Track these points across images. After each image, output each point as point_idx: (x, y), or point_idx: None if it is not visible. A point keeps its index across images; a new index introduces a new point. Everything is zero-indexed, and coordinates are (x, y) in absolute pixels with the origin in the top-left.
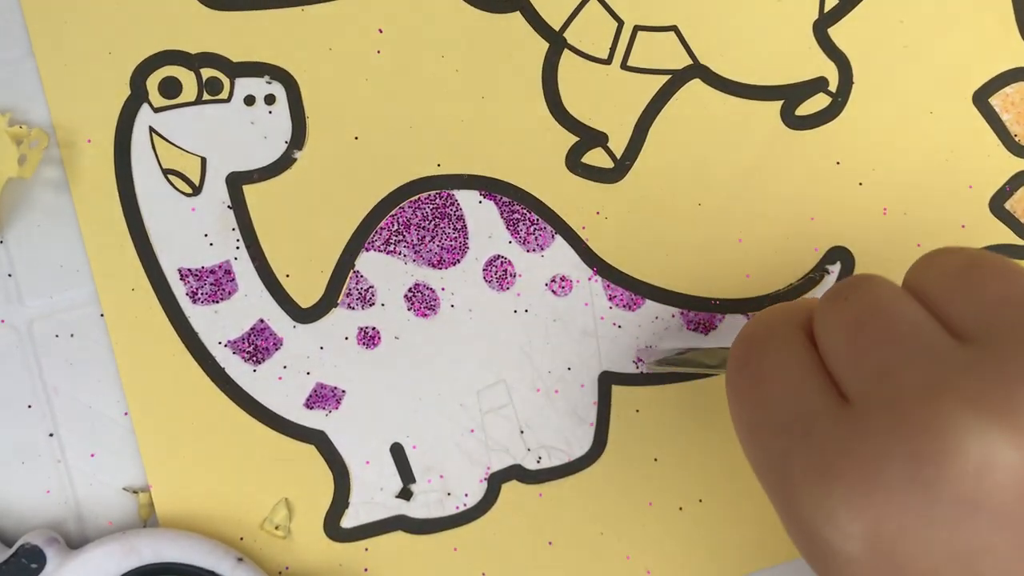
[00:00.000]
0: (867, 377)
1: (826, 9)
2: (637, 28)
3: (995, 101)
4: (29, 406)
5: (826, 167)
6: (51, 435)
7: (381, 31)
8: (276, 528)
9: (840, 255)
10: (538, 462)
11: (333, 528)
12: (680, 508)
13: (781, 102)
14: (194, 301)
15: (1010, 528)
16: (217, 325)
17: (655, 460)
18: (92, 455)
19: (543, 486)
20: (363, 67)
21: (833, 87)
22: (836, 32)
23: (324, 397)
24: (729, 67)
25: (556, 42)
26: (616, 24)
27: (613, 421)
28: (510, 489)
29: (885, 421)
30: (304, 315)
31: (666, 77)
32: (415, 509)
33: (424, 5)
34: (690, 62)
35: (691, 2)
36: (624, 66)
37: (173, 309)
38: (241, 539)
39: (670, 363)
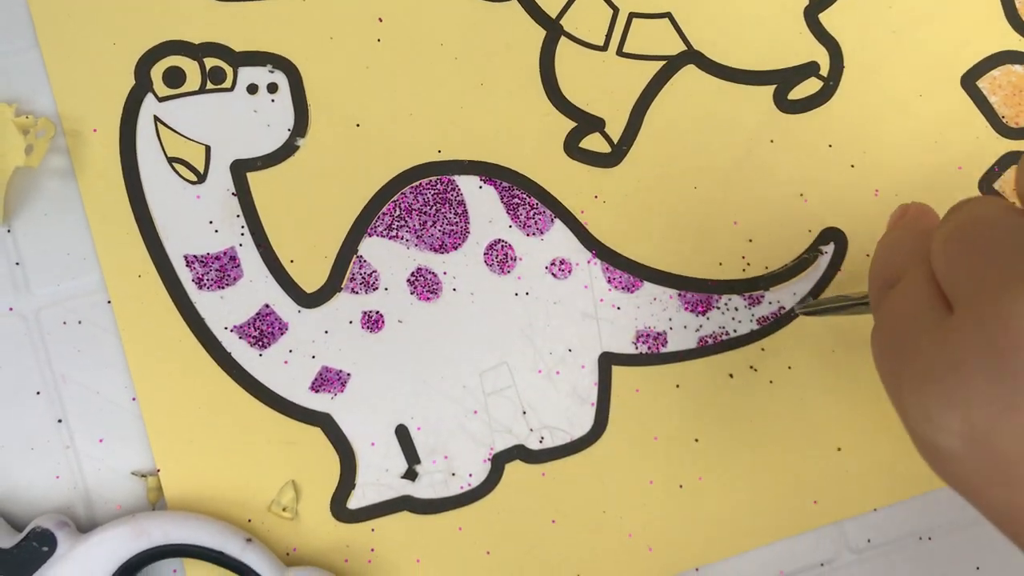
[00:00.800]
0: (962, 282)
1: None
2: (632, 15)
3: (983, 84)
4: (38, 393)
5: (819, 150)
6: (60, 421)
7: (381, 20)
8: (283, 510)
9: (833, 236)
10: (540, 442)
11: (340, 509)
12: (680, 486)
13: (774, 87)
14: (200, 287)
15: None
16: (223, 310)
17: (655, 439)
18: (100, 440)
19: (546, 466)
20: (364, 55)
21: (824, 71)
22: (827, 18)
23: (329, 380)
24: (723, 53)
25: (553, 29)
26: (611, 11)
27: (614, 401)
28: (513, 469)
29: (971, 319)
30: (309, 300)
31: (661, 63)
32: (420, 489)
33: None
34: (684, 48)
35: None
36: (620, 52)
37: (179, 295)
38: (249, 521)
39: (819, 304)
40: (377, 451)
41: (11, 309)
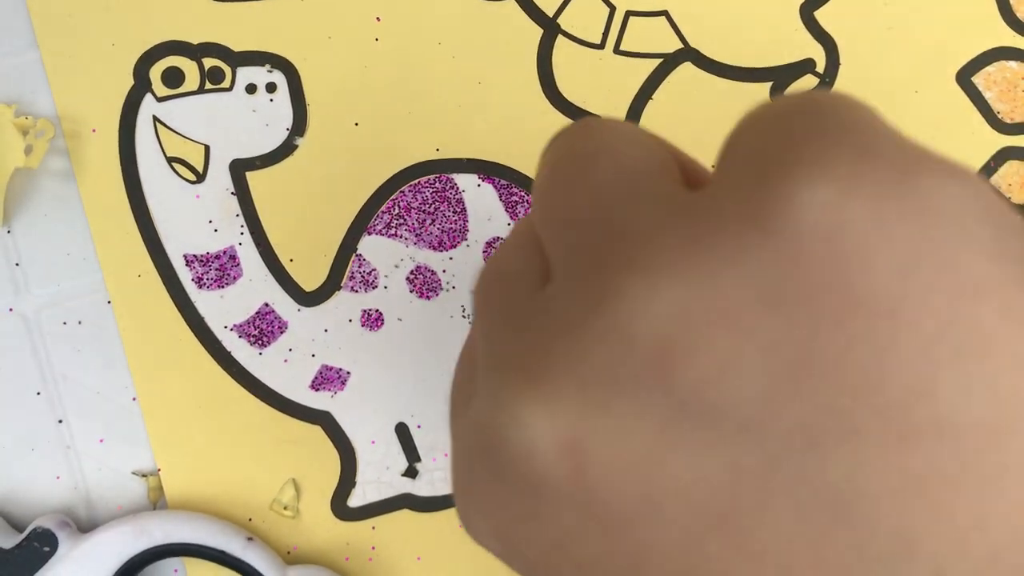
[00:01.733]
0: (558, 241)
1: None
2: (629, 13)
3: (978, 80)
4: (38, 393)
5: None
6: (60, 422)
7: (379, 19)
8: (284, 508)
9: None
10: None
11: (340, 508)
12: None
13: (770, 84)
14: (200, 286)
15: None
16: (223, 309)
17: None
18: (101, 440)
19: None
20: (362, 55)
21: (820, 68)
22: (822, 15)
23: (329, 379)
24: (719, 50)
25: (550, 28)
26: (608, 9)
27: None
28: None
29: (566, 298)
30: (308, 298)
31: (658, 61)
32: (421, 487)
33: None
34: (681, 46)
35: None
36: (617, 50)
37: (179, 294)
38: (250, 520)
39: None
40: (377, 449)
41: (11, 310)
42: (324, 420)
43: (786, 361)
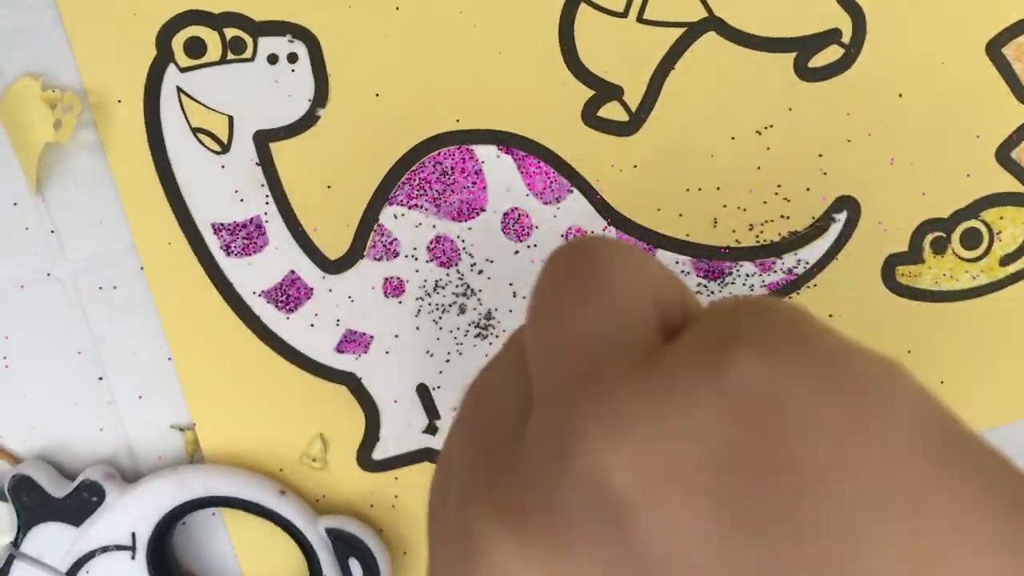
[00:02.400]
0: (543, 371)
1: None
2: None
3: (1008, 51)
4: (78, 352)
5: (837, 118)
6: (100, 379)
7: None
8: (313, 460)
9: (846, 204)
10: None
11: (365, 460)
12: None
13: (794, 54)
14: (228, 254)
15: None
16: (251, 276)
17: None
18: (140, 397)
19: None
20: (383, 24)
21: (846, 39)
22: None
23: (354, 343)
24: (744, 19)
25: None
26: None
27: None
28: None
29: (542, 445)
30: (332, 266)
31: (681, 30)
32: (440, 442)
33: None
34: (705, 15)
35: None
36: (640, 19)
37: (208, 262)
38: (281, 471)
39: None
40: (400, 407)
41: (48, 275)
42: (349, 381)
43: (730, 518)
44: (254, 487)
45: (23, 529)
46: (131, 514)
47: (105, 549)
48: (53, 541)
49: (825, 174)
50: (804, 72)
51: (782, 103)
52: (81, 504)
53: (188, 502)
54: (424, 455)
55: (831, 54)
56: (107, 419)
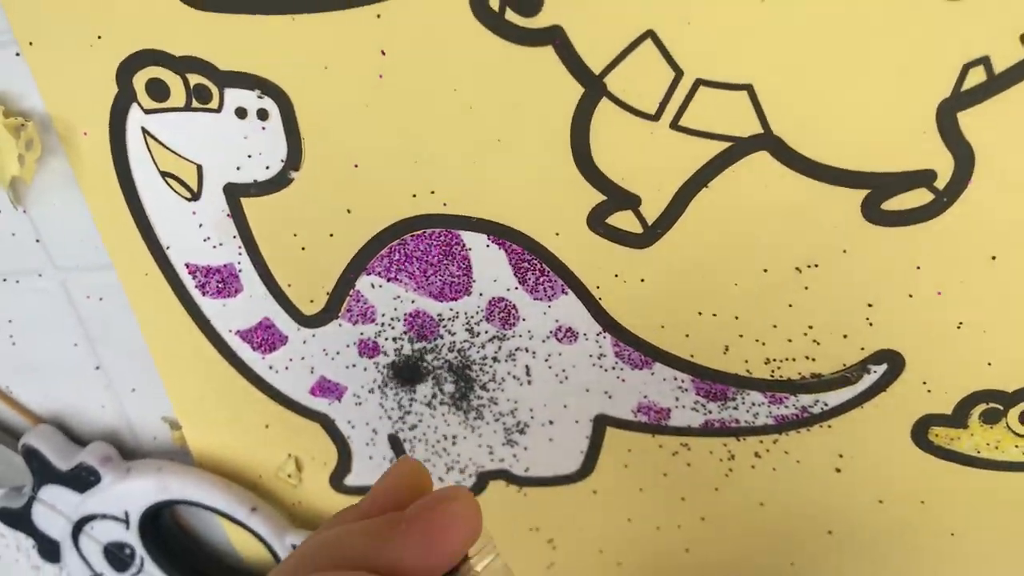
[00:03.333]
0: None
1: (965, 87)
2: (700, 82)
3: None
4: (75, 344)
5: (902, 270)
6: (97, 368)
7: (384, 53)
8: (288, 476)
9: (888, 358)
10: (526, 471)
11: (337, 485)
12: (657, 528)
13: (867, 192)
14: (203, 293)
15: None
16: (226, 316)
17: (640, 490)
18: (133, 390)
19: (528, 488)
20: (363, 91)
21: (941, 184)
22: (969, 118)
23: (328, 389)
24: (810, 143)
25: (594, 88)
26: (673, 74)
27: (603, 454)
28: (496, 486)
29: None
30: (307, 321)
31: (725, 144)
32: None
33: (436, 29)
34: (760, 131)
35: (779, 57)
36: (675, 125)
37: (184, 296)
38: (260, 477)
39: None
40: (372, 449)
41: (40, 275)
42: (323, 420)
43: None
44: (229, 500)
45: (37, 485)
46: (122, 500)
47: (104, 516)
48: (63, 498)
49: (871, 325)
50: (874, 213)
51: (836, 243)
52: (81, 480)
53: (166, 500)
54: None
55: (915, 198)
56: (108, 399)
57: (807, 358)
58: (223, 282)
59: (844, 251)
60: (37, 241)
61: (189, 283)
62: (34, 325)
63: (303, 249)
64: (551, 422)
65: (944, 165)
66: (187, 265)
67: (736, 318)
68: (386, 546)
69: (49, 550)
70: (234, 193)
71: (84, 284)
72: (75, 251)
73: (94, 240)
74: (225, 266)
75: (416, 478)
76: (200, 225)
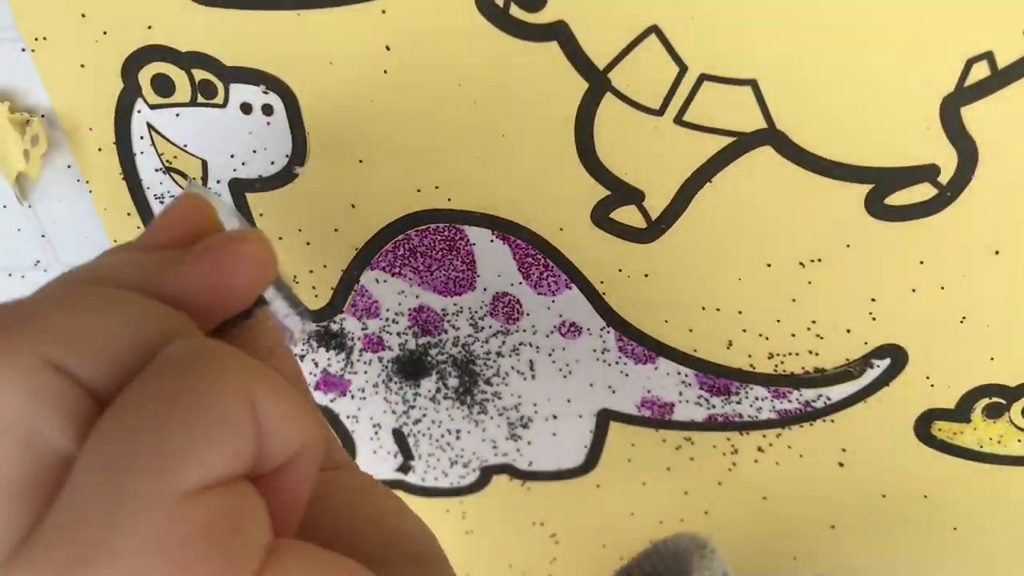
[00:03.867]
0: None
1: (968, 82)
2: (704, 77)
3: None
4: None
5: (906, 265)
6: None
7: (389, 48)
8: None
9: (892, 353)
10: (529, 466)
11: None
12: (661, 522)
13: (870, 186)
14: None
15: None
16: None
17: (643, 484)
18: None
19: (531, 483)
20: (368, 86)
21: (944, 178)
22: (972, 112)
23: (331, 385)
24: (814, 138)
25: (598, 83)
26: (677, 70)
27: (606, 449)
28: (500, 480)
29: None
30: (312, 316)
31: (729, 139)
32: (414, 479)
33: (441, 24)
34: (764, 125)
35: (783, 52)
36: (679, 120)
37: None
38: None
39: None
40: (376, 444)
41: (45, 271)
42: (327, 413)
43: None
44: None
45: None
46: None
47: None
48: None
49: (874, 319)
50: (877, 208)
51: (839, 237)
52: None
53: None
54: (398, 484)
55: (919, 193)
56: None
57: (810, 352)
58: None
59: (848, 246)
60: (43, 236)
61: None
62: None
63: (308, 244)
64: (555, 416)
65: (947, 160)
66: None
67: (739, 313)
68: (168, 272)
69: None
70: (239, 188)
71: None
72: (80, 246)
73: (99, 235)
74: None
75: (201, 214)
76: None
